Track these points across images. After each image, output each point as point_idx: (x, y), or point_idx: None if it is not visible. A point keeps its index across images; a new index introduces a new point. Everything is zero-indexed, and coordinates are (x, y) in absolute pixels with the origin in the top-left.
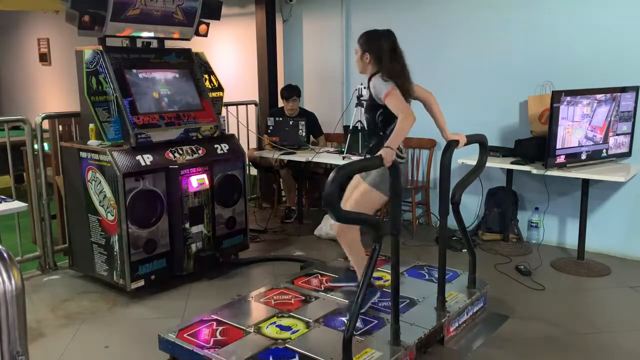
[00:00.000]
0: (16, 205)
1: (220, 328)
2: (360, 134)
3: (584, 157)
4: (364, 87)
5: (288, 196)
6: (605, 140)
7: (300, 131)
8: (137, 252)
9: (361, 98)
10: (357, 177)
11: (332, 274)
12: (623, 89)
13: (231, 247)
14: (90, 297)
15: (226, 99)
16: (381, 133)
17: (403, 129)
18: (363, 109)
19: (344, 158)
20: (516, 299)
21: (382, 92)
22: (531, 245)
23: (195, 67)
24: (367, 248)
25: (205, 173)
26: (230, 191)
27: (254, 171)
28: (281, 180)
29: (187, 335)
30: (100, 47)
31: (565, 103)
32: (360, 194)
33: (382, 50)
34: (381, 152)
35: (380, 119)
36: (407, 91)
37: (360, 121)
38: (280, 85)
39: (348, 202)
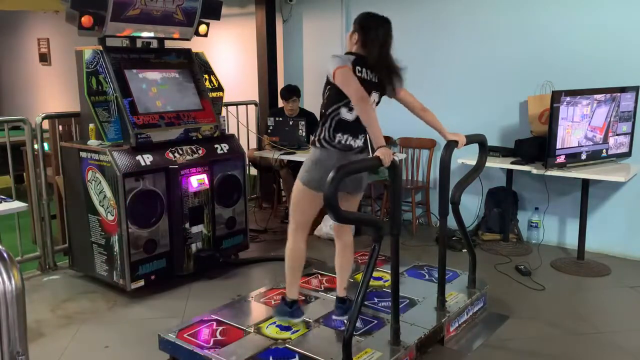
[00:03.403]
0: (16, 205)
1: (220, 328)
2: None
3: (584, 157)
4: None
5: (288, 196)
6: (605, 140)
7: (300, 131)
8: (137, 252)
9: None
10: None
11: (332, 274)
12: (623, 89)
13: (231, 247)
14: (90, 297)
15: (226, 99)
16: (323, 110)
17: (369, 115)
18: None
19: None
20: (516, 299)
21: (331, 67)
22: (531, 245)
23: (195, 67)
24: (365, 248)
25: (205, 173)
26: (230, 191)
27: (254, 171)
28: (281, 180)
29: (187, 335)
30: (100, 47)
31: (565, 103)
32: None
33: (371, 38)
34: (377, 153)
35: (326, 96)
36: (383, 87)
37: None
38: (280, 85)
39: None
